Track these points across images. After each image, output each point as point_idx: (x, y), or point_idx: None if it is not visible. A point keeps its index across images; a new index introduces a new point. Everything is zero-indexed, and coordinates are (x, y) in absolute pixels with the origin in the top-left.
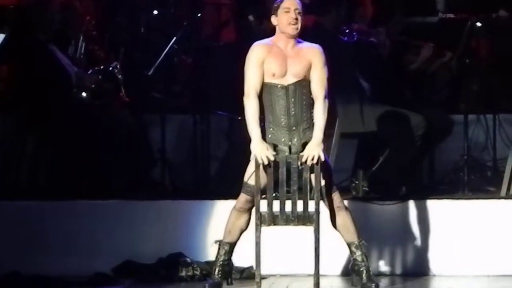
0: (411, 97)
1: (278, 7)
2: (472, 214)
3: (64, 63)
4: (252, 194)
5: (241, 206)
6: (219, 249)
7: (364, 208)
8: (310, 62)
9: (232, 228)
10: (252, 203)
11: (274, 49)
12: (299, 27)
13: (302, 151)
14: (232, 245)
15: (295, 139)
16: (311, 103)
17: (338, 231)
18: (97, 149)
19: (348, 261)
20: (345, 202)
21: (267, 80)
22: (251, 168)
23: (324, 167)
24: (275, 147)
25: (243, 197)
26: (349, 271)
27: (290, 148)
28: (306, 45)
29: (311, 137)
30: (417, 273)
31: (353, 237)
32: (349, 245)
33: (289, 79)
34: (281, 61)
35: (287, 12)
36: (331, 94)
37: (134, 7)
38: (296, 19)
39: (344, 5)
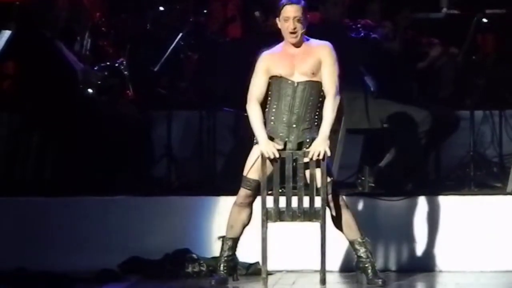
0: (417, 93)
1: (280, 12)
2: (478, 210)
3: (70, 60)
4: (252, 188)
5: (241, 201)
6: (222, 245)
7: (371, 204)
8: (319, 59)
9: (234, 223)
10: (253, 197)
11: (280, 53)
12: (299, 35)
13: (297, 149)
14: (236, 240)
15: (293, 137)
16: (317, 105)
17: (341, 229)
18: (103, 145)
19: (355, 257)
20: (352, 198)
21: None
22: (250, 162)
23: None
24: (271, 140)
25: (243, 191)
26: (354, 269)
27: (285, 144)
28: (315, 43)
29: (308, 138)
30: (423, 268)
31: (356, 235)
32: (352, 243)
33: (298, 78)
34: (288, 62)
35: (286, 21)
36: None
37: (140, 3)
38: (295, 28)
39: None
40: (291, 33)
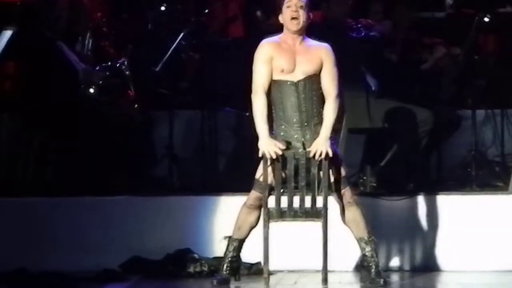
0: (418, 93)
1: (283, 4)
2: (480, 209)
3: (72, 60)
4: (263, 191)
5: (251, 203)
6: (228, 245)
7: (372, 204)
8: (320, 60)
9: (242, 224)
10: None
11: (282, 46)
12: (301, 22)
13: None
14: (241, 242)
15: (308, 135)
16: (321, 98)
17: (348, 226)
18: (104, 145)
19: (356, 257)
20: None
21: (276, 77)
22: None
23: (334, 161)
24: (288, 145)
25: (254, 194)
26: (359, 267)
27: (303, 145)
28: (315, 43)
29: None
30: (425, 268)
31: (363, 233)
32: (358, 240)
33: (298, 75)
34: (290, 57)
35: (289, 7)
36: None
37: (141, 3)
38: (297, 11)
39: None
40: (293, 18)
